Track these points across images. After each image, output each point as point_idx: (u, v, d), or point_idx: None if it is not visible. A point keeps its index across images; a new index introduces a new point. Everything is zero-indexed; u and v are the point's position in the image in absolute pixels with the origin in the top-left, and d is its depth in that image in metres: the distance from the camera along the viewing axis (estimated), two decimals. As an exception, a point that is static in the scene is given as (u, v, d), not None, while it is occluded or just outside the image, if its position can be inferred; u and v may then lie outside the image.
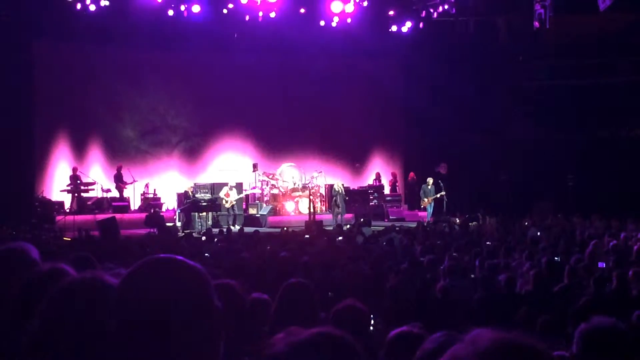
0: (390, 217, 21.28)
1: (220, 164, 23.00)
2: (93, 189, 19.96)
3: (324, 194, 22.13)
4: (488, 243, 12.03)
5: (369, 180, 23.59)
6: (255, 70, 22.44)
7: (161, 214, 19.15)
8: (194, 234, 16.71)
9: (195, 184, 20.84)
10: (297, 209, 21.18)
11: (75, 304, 1.78)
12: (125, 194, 20.71)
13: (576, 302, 6.12)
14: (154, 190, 21.07)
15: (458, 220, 18.32)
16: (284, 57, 22.38)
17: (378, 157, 24.47)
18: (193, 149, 22.93)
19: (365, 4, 21.10)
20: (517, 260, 9.70)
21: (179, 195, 20.64)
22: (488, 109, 21.29)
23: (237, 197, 20.24)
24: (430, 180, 20.90)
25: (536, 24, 20.07)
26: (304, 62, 22.62)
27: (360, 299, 4.15)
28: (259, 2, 20.07)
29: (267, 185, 21.74)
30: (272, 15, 20.54)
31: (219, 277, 5.31)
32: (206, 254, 10.25)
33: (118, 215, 17.39)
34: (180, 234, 17.14)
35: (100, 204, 19.77)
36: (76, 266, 2.30)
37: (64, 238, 14.70)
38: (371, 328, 3.97)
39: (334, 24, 21.23)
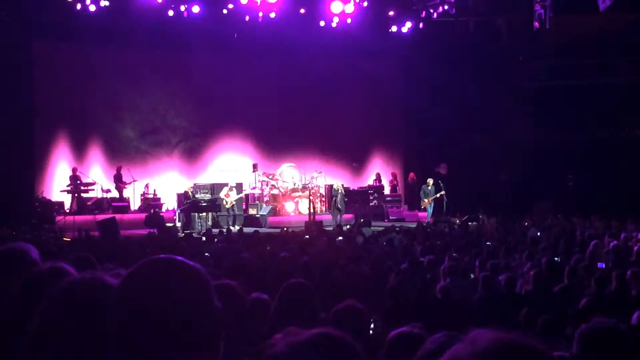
0: (390, 218, 21.29)
1: (220, 164, 23.00)
2: (93, 189, 19.97)
3: (324, 194, 22.13)
4: (488, 243, 12.03)
5: (369, 180, 23.59)
6: (255, 71, 22.45)
7: (161, 214, 19.15)
8: (194, 234, 16.71)
9: (195, 184, 20.84)
10: (297, 209, 21.18)
11: (75, 304, 1.78)
12: (125, 194, 20.71)
13: (576, 303, 6.12)
14: (154, 190, 21.07)
15: (458, 221, 18.33)
16: (284, 57, 22.39)
17: (378, 157, 24.48)
18: (193, 149, 22.93)
19: (365, 4, 21.10)
20: (517, 261, 9.70)
21: (179, 196, 20.64)
22: (488, 109, 21.29)
23: (237, 197, 20.24)
24: (430, 181, 20.91)
25: (536, 24, 20.04)
26: (304, 63, 22.62)
27: (360, 299, 4.15)
28: (259, 2, 20.06)
29: (267, 185, 21.74)
30: (272, 15, 20.54)
31: (219, 277, 5.32)
32: (206, 254, 10.25)
33: (118, 216, 17.38)
34: (180, 234, 17.14)
35: (100, 205, 19.77)
36: (76, 266, 2.30)
37: (64, 238, 14.70)
38: (371, 331, 3.96)
39: (334, 25, 21.23)
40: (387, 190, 23.19)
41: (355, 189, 22.67)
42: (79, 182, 19.75)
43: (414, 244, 11.76)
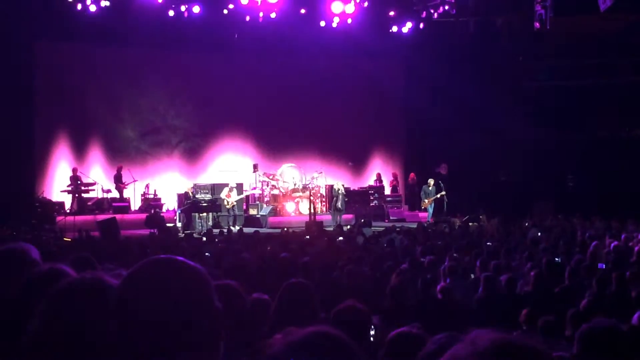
0: (391, 218, 21.29)
1: (221, 165, 22.99)
2: (93, 190, 19.97)
3: (324, 195, 22.13)
4: (489, 244, 12.04)
5: (370, 180, 23.60)
6: (256, 71, 22.45)
7: (161, 214, 19.15)
8: (194, 234, 16.73)
9: (195, 184, 20.84)
10: (297, 210, 21.17)
11: (76, 305, 1.78)
12: (126, 194, 20.71)
13: (577, 303, 6.12)
14: (154, 190, 21.06)
15: (458, 221, 18.33)
16: (285, 57, 22.39)
17: (378, 157, 24.48)
18: (193, 149, 22.93)
19: (365, 4, 21.10)
20: (517, 261, 9.70)
21: (179, 196, 20.64)
22: (488, 109, 21.29)
23: (237, 198, 20.24)
24: (431, 181, 20.91)
25: (537, 24, 20.04)
26: (304, 63, 22.62)
27: (360, 300, 4.15)
28: (259, 2, 20.07)
29: (267, 185, 21.74)
30: (273, 15, 20.53)
31: (220, 277, 5.32)
32: (207, 254, 10.26)
33: (118, 216, 17.40)
34: (181, 234, 17.15)
35: (101, 205, 19.77)
36: (76, 267, 2.30)
37: (65, 238, 14.70)
38: (372, 332, 3.96)
39: (334, 25, 21.22)
40: (387, 191, 23.18)
41: (356, 189, 22.67)
42: (79, 182, 19.75)
43: (414, 244, 11.76)
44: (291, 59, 22.53)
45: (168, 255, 1.67)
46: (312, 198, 20.09)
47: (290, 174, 22.06)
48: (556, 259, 9.83)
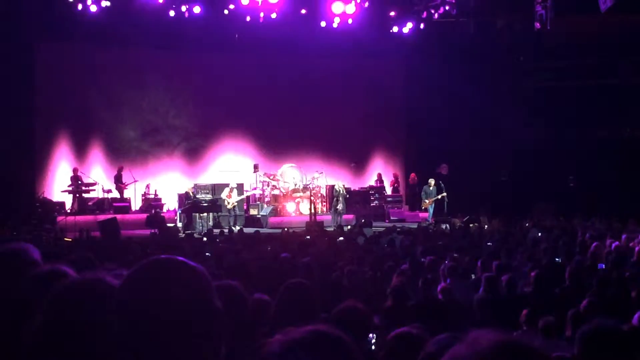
0: (391, 218, 21.28)
1: (221, 165, 22.99)
2: (94, 190, 19.98)
3: (324, 195, 22.13)
4: (489, 244, 12.04)
5: (371, 181, 23.59)
6: (257, 71, 22.45)
7: (162, 214, 19.15)
8: (195, 234, 16.74)
9: (196, 184, 20.84)
10: (297, 210, 21.17)
11: (77, 305, 1.78)
12: (126, 194, 20.71)
13: (577, 304, 6.12)
14: (155, 190, 21.06)
15: (459, 222, 18.33)
16: (285, 58, 22.38)
17: (379, 157, 24.48)
18: (194, 149, 22.93)
19: (366, 4, 21.09)
20: (517, 261, 9.70)
21: (180, 196, 20.64)
22: (488, 109, 21.29)
23: (238, 198, 20.25)
24: (432, 181, 20.91)
25: (537, 24, 20.05)
26: (305, 63, 22.62)
27: (361, 300, 4.15)
28: (260, 2, 20.07)
29: (267, 186, 21.74)
30: (273, 16, 20.53)
31: (220, 277, 5.32)
32: (207, 254, 10.26)
33: (119, 216, 17.40)
34: (181, 234, 17.16)
35: (101, 205, 19.77)
36: (77, 267, 2.31)
37: (65, 239, 14.71)
38: (372, 335, 3.96)
39: (335, 25, 21.22)
40: (388, 191, 23.18)
41: (356, 189, 22.67)
42: (79, 182, 19.76)
43: (415, 244, 11.76)
44: (292, 60, 22.52)
45: (168, 255, 1.67)
46: (312, 198, 20.09)
47: (290, 174, 22.06)
48: (556, 259, 9.84)
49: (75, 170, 19.93)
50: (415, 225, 16.95)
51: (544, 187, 21.16)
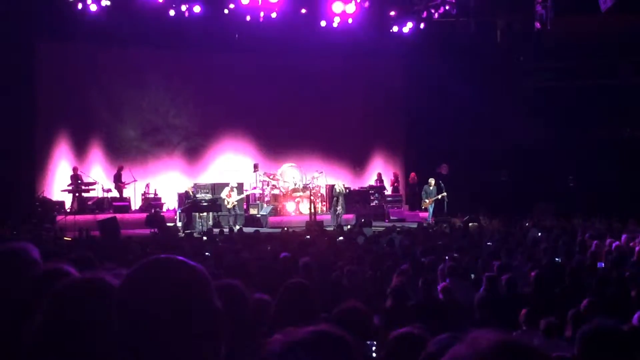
0: (391, 218, 21.29)
1: (221, 164, 22.99)
2: (94, 189, 19.98)
3: (324, 195, 22.13)
4: (489, 244, 12.04)
5: (371, 180, 23.59)
6: (257, 71, 22.45)
7: (162, 214, 19.15)
8: (194, 234, 16.74)
9: (195, 184, 20.85)
10: (297, 210, 21.18)
11: (77, 304, 1.78)
12: (126, 194, 20.71)
13: (577, 304, 6.12)
14: (155, 190, 21.07)
15: (459, 221, 18.33)
16: (285, 57, 22.38)
17: (379, 157, 24.48)
18: (194, 149, 22.93)
19: (366, 4, 21.09)
20: (517, 261, 9.70)
21: (180, 196, 20.64)
22: (488, 109, 21.29)
23: (238, 197, 20.25)
24: (432, 181, 20.91)
25: (537, 24, 20.05)
26: (305, 63, 22.62)
27: (361, 300, 4.15)
28: (260, 2, 20.07)
29: (267, 185, 21.75)
30: (273, 15, 20.53)
31: (220, 277, 5.32)
32: (207, 254, 10.26)
33: (119, 215, 17.39)
34: (181, 234, 17.16)
35: (101, 204, 19.77)
36: (77, 266, 2.31)
37: (65, 238, 14.70)
38: (371, 342, 3.95)
39: (335, 25, 21.22)
40: (388, 191, 23.18)
41: (356, 189, 22.67)
42: (79, 181, 19.75)
43: (415, 244, 11.76)
44: (292, 59, 22.52)
45: (168, 254, 1.67)
46: (312, 198, 20.09)
47: (290, 173, 22.07)
48: (556, 259, 9.84)
49: (75, 170, 19.93)
50: (415, 225, 16.93)
51: (544, 187, 21.16)
